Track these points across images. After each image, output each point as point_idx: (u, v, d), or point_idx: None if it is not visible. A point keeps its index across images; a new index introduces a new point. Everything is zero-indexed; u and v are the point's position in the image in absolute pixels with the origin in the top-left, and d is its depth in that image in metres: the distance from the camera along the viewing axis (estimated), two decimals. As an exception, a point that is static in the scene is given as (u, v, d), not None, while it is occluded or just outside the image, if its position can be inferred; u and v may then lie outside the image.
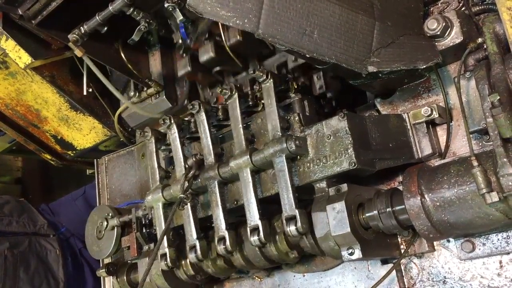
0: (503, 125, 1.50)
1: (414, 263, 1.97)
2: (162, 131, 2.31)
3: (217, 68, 2.45)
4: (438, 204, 1.65)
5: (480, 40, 1.83)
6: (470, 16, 1.97)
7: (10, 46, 2.46)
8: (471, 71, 1.84)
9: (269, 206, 1.97)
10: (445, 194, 1.63)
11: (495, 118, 1.50)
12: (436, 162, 1.92)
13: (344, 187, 1.77)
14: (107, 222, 2.50)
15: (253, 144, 2.04)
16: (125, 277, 2.41)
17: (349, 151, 1.77)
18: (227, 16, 1.64)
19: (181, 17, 2.11)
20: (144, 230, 2.39)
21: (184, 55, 2.50)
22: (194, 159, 2.07)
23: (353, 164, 1.75)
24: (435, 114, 1.91)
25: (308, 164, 1.86)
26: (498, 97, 1.49)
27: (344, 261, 1.88)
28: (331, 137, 1.82)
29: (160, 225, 2.14)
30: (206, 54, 2.35)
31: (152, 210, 2.24)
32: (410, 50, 1.83)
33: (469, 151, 1.62)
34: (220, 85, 2.39)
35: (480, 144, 1.87)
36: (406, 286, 1.96)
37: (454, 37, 1.86)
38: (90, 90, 2.73)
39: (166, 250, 2.10)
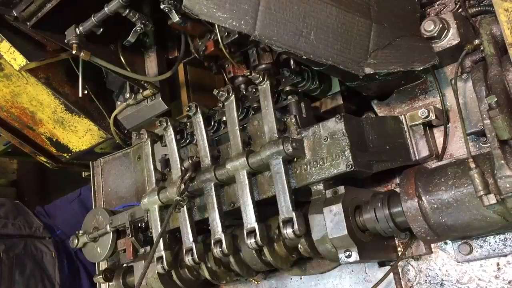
0: (500, 127, 1.49)
1: (412, 265, 1.97)
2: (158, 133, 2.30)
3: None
4: (435, 206, 1.64)
5: (477, 41, 1.83)
6: (467, 18, 1.97)
7: (5, 48, 2.45)
8: (468, 73, 1.83)
9: (266, 208, 1.96)
10: (443, 196, 1.63)
11: (493, 120, 1.50)
12: (433, 164, 1.92)
13: (341, 189, 1.77)
14: (103, 225, 2.49)
15: (249, 146, 2.03)
16: (121, 280, 2.39)
17: (346, 153, 1.76)
18: (223, 18, 1.64)
19: (177, 19, 2.11)
20: (140, 233, 2.38)
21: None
22: (190, 161, 2.06)
23: (350, 166, 1.74)
24: (432, 116, 1.91)
25: (305, 166, 1.85)
26: (496, 99, 1.48)
27: (341, 264, 1.87)
28: (328, 139, 1.82)
29: (156, 228, 2.13)
30: None
31: (148, 213, 2.22)
32: (407, 51, 1.82)
33: (467, 153, 1.62)
34: (210, 35, 2.38)
35: (477, 146, 1.86)
36: (404, 289, 1.96)
37: (451, 38, 1.86)
38: (86, 92, 2.71)
39: (163, 253, 2.08)
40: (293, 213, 1.78)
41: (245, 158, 1.89)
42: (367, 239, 1.78)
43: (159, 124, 2.18)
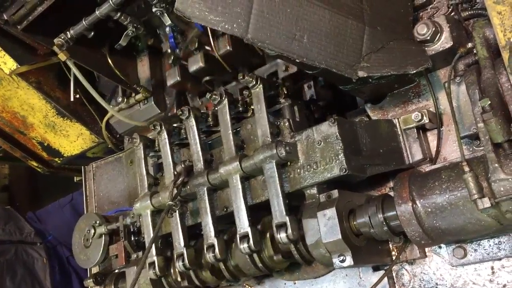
0: (494, 130, 1.49)
1: (406, 269, 1.96)
2: (151, 137, 2.28)
3: (207, 78, 2.42)
4: (429, 210, 1.63)
5: (470, 45, 1.83)
6: (459, 21, 1.96)
7: (-5, 52, 2.43)
8: (461, 76, 1.83)
9: (259, 212, 1.94)
10: (437, 200, 1.62)
11: (486, 123, 1.49)
12: (427, 168, 1.92)
13: (335, 193, 1.76)
14: (95, 230, 2.47)
15: (242, 150, 2.01)
16: (113, 286, 2.36)
17: (339, 156, 1.75)
18: (216, 21, 1.62)
19: (169, 22, 2.10)
20: (132, 238, 2.36)
21: (173, 65, 2.47)
22: (183, 165, 2.04)
23: (344, 170, 1.73)
24: (426, 119, 1.90)
25: (298, 170, 1.84)
26: (489, 102, 1.48)
27: (336, 268, 1.86)
28: (322, 143, 1.81)
29: (149, 233, 2.11)
30: (196, 64, 2.32)
31: (140, 218, 2.20)
32: (400, 55, 1.82)
33: (460, 156, 1.62)
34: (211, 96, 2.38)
35: (471, 149, 1.86)
36: (398, 293, 1.95)
37: (444, 42, 1.86)
38: (77, 96, 2.70)
39: (155, 258, 2.07)
40: (287, 218, 1.76)
41: (238, 162, 1.88)
42: (361, 243, 1.77)
43: (153, 128, 2.16)
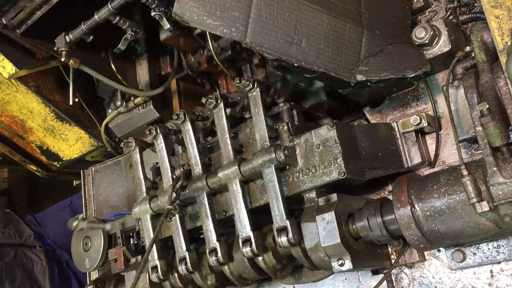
0: (492, 134, 1.49)
1: (405, 273, 1.96)
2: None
3: (198, 31, 2.36)
4: (428, 213, 1.63)
5: (468, 48, 1.84)
6: (458, 25, 1.97)
7: (-6, 56, 2.43)
8: (459, 80, 1.84)
9: (258, 216, 1.94)
10: (435, 204, 1.62)
11: (484, 127, 1.50)
12: (425, 171, 1.92)
13: (334, 197, 1.75)
14: (94, 234, 2.46)
15: (241, 154, 2.01)
16: (112, 290, 2.36)
17: (338, 160, 1.75)
18: (214, 25, 1.62)
19: (168, 26, 2.09)
20: (131, 242, 2.35)
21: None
22: (181, 169, 2.04)
23: (343, 173, 1.73)
24: (424, 123, 1.90)
25: (297, 174, 1.84)
26: (487, 106, 1.48)
27: (335, 272, 1.86)
28: (320, 147, 1.81)
29: (148, 237, 2.10)
30: None
31: (139, 222, 2.20)
32: (399, 58, 1.82)
33: (459, 160, 1.62)
34: (202, 51, 2.40)
35: (469, 152, 1.86)
36: (397, 297, 1.95)
37: (442, 45, 1.87)
38: (76, 100, 2.69)
39: (157, 262, 2.06)
40: (287, 222, 1.76)
41: (237, 167, 1.87)
42: (360, 247, 1.77)
43: (148, 133, 2.16)
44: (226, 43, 2.36)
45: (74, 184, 3.49)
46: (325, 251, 1.71)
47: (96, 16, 2.12)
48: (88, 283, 2.66)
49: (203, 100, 2.01)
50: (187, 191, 2.02)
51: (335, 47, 1.73)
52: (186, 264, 2.00)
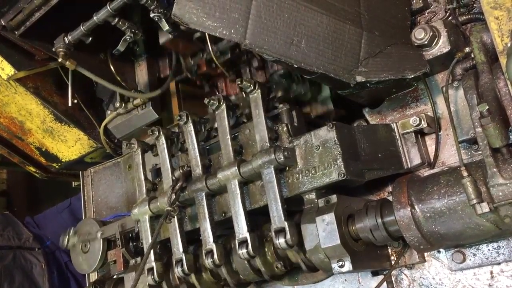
0: (492, 134, 1.49)
1: (405, 274, 1.95)
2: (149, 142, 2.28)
3: (198, 34, 2.37)
4: (428, 215, 1.63)
5: (467, 49, 1.83)
6: (457, 26, 1.97)
7: (-7, 58, 2.43)
8: (459, 81, 1.84)
9: (258, 217, 1.94)
10: (435, 205, 1.62)
11: (484, 128, 1.49)
12: (425, 172, 1.92)
13: (334, 198, 1.75)
14: (93, 235, 2.46)
15: (241, 155, 2.01)
16: (111, 292, 2.36)
17: (338, 161, 1.75)
18: (213, 27, 1.62)
19: (167, 27, 2.09)
20: (130, 244, 2.35)
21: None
22: (181, 171, 2.04)
23: (342, 175, 1.73)
24: (424, 124, 1.90)
25: (297, 175, 1.84)
26: (487, 107, 1.48)
27: (334, 274, 1.85)
28: (320, 148, 1.80)
29: (147, 239, 2.10)
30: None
31: (138, 223, 2.20)
32: (398, 59, 1.82)
33: (459, 161, 1.62)
34: (202, 54, 2.40)
35: (469, 153, 1.86)
36: (397, 298, 1.94)
37: (442, 46, 1.86)
38: (75, 101, 2.69)
39: (153, 264, 2.05)
40: (286, 223, 1.76)
41: (236, 168, 1.87)
42: (360, 248, 1.77)
43: (151, 133, 2.16)
44: (225, 46, 2.36)
45: (73, 185, 3.49)
46: (325, 252, 1.71)
47: (95, 18, 2.12)
48: (87, 285, 2.65)
49: (206, 101, 2.01)
50: (186, 192, 2.02)
51: (335, 48, 1.73)
52: (182, 266, 1.99)
